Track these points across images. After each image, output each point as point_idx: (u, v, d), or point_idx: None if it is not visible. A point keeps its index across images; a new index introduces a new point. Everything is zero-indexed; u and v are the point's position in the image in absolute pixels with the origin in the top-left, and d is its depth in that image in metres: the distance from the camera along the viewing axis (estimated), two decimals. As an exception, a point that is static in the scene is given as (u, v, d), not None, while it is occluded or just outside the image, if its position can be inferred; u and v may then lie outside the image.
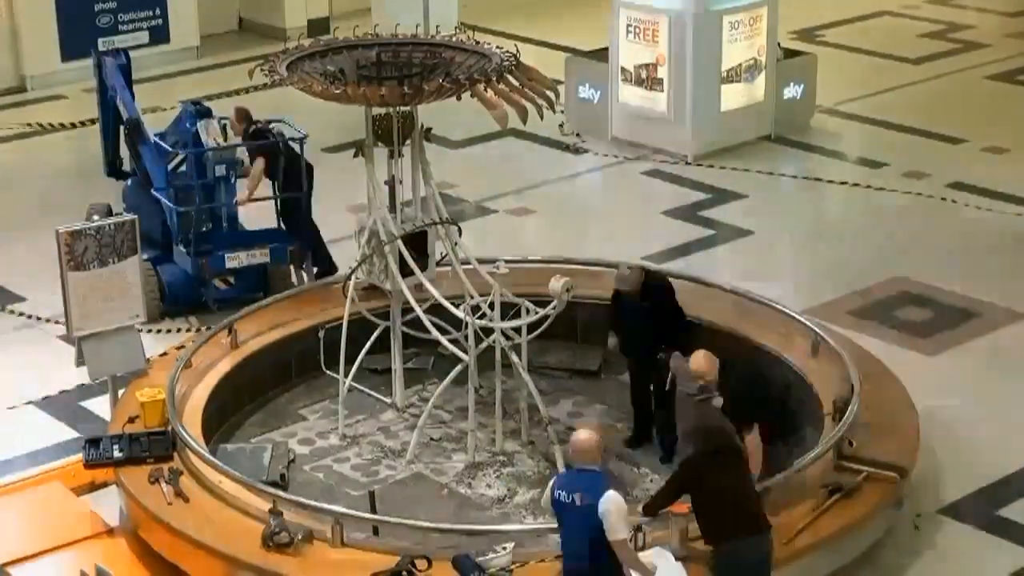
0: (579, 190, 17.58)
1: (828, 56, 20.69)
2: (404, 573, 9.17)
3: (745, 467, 9.19)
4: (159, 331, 13.42)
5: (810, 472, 10.19)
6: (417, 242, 11.47)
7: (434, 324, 11.39)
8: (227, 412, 11.85)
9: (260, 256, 13.80)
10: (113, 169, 15.73)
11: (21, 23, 20.85)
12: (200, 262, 13.64)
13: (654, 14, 17.72)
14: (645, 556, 9.04)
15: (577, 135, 18.64)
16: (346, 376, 11.63)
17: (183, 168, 14.24)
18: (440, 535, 9.71)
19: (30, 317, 13.80)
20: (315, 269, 14.16)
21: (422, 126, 11.43)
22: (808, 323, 12.10)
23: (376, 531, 9.73)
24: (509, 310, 11.28)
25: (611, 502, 8.56)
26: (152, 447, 10.56)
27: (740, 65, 17.99)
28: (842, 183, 17.25)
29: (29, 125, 19.51)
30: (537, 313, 11.05)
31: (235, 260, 13.74)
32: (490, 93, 10.96)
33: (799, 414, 11.57)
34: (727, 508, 8.89)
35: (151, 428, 10.78)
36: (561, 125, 18.56)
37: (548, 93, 11.30)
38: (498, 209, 16.47)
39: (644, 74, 17.91)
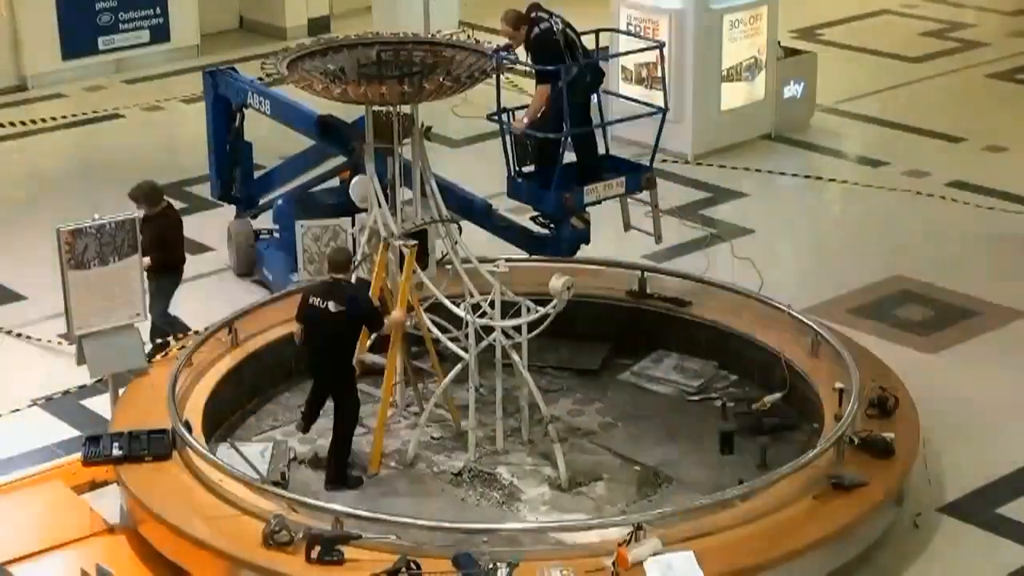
0: (579, 189, 17.54)
1: (828, 55, 20.69)
2: (403, 571, 9.18)
3: None
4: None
5: (810, 470, 10.19)
6: (417, 240, 11.46)
7: (434, 323, 11.39)
8: (227, 411, 11.85)
9: (616, 188, 12.17)
10: None
11: (22, 22, 20.83)
12: (563, 196, 12.09)
13: (654, 13, 17.71)
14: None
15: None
16: (346, 375, 11.61)
17: None
18: (440, 534, 9.71)
19: (16, 334, 13.77)
20: None
21: (422, 125, 11.43)
22: (808, 321, 12.10)
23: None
24: (509, 309, 11.27)
25: None
26: (152, 445, 10.56)
27: (740, 64, 17.99)
28: (842, 182, 17.25)
29: (31, 122, 19.52)
30: (537, 312, 11.05)
31: (593, 193, 12.20)
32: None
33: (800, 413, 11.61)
34: None
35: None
36: (561, 123, 18.51)
37: (548, 92, 11.29)
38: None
39: (644, 73, 17.90)
